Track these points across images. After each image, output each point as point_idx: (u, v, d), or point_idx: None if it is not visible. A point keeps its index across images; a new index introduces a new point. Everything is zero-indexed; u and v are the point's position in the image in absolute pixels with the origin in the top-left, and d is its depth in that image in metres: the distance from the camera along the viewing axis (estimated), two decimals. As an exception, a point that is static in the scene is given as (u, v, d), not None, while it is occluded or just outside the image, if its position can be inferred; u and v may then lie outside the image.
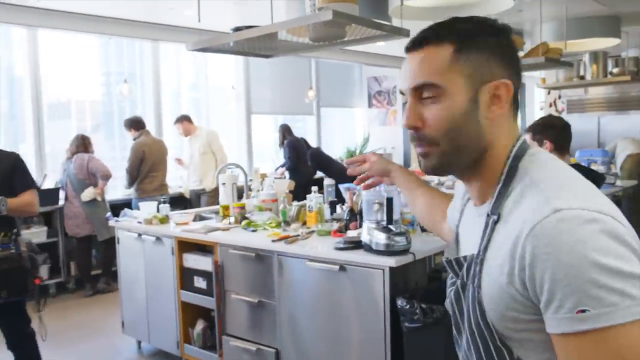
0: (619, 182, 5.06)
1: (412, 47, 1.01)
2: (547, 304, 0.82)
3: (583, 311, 0.78)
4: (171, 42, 6.95)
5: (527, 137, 2.81)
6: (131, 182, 5.79)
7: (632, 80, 7.39)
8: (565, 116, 8.49)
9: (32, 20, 5.70)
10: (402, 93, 1.03)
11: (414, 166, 6.39)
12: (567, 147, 2.69)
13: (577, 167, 2.71)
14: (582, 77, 7.26)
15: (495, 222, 0.94)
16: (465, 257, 1.03)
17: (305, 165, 6.98)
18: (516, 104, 1.01)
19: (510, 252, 0.87)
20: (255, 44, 3.40)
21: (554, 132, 2.66)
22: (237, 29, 3.21)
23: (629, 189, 5.26)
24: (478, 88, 0.96)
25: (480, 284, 0.94)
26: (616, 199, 4.69)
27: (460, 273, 1.03)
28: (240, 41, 3.23)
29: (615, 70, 7.42)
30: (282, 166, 7.23)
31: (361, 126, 10.37)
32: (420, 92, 0.97)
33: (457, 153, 0.98)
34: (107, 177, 5.50)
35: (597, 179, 2.63)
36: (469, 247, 1.06)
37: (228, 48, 3.48)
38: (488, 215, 0.96)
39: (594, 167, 4.96)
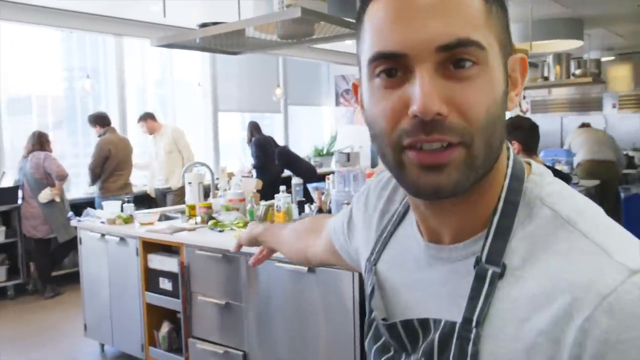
0: (582, 182, 5.15)
1: None
2: None
3: None
4: (135, 38, 6.80)
5: None
6: (94, 180, 5.63)
7: (593, 82, 7.56)
8: (529, 116, 8.63)
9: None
10: (390, 57, 0.61)
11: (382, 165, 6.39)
12: (535, 148, 2.71)
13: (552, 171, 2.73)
14: (546, 78, 7.38)
15: (499, 277, 0.62)
16: (424, 322, 0.68)
17: (273, 163, 6.92)
18: None
19: (552, 334, 0.56)
20: (222, 41, 3.34)
21: (522, 133, 2.68)
22: (204, 25, 3.15)
23: (591, 189, 5.35)
24: (505, 61, 0.64)
25: None
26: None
27: (419, 346, 0.69)
28: (206, 37, 3.17)
29: (578, 72, 7.57)
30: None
31: (329, 124, 10.36)
32: (449, 57, 0.59)
33: (485, 162, 0.63)
34: (62, 177, 5.30)
35: (564, 180, 2.65)
36: (419, 303, 0.71)
37: (194, 44, 3.41)
38: (479, 262, 0.64)
39: (558, 167, 5.04)
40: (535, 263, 0.60)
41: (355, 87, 0.72)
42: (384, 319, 0.74)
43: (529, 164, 0.70)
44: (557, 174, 2.66)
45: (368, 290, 0.80)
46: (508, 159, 0.68)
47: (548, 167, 2.82)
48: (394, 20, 0.60)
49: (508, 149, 0.69)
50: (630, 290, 0.54)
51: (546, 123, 9.04)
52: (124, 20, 6.36)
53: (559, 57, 7.25)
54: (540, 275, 0.59)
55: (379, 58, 0.61)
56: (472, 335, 0.62)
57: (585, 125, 7.10)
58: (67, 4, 5.75)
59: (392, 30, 0.60)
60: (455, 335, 0.64)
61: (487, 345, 0.61)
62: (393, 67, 0.61)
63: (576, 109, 9.59)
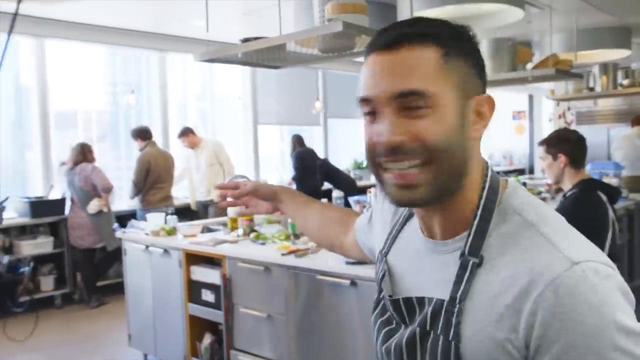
0: (631, 195, 5.01)
1: (385, 46, 0.82)
2: (546, 351, 0.74)
3: None
4: (179, 53, 6.97)
5: (541, 150, 2.77)
6: (137, 194, 5.77)
7: (642, 92, 7.38)
8: (574, 128, 8.46)
9: (40, 30, 5.73)
10: (364, 101, 0.84)
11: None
12: (582, 162, 2.66)
13: (591, 181, 2.68)
14: (592, 89, 7.24)
15: (478, 266, 0.82)
16: (421, 300, 0.88)
17: (313, 176, 6.97)
18: None
19: (515, 306, 0.76)
20: (264, 55, 3.39)
21: (569, 146, 2.63)
22: (246, 40, 3.21)
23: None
24: (465, 102, 0.83)
25: (460, 338, 0.81)
26: (629, 213, 4.65)
27: (414, 317, 0.89)
28: (248, 52, 3.23)
29: (626, 82, 7.40)
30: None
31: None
32: (403, 102, 0.80)
33: (449, 180, 0.82)
34: (107, 189, 5.46)
35: (614, 194, 2.60)
36: (418, 286, 0.91)
37: (236, 59, 3.48)
38: (463, 255, 0.83)
39: (605, 180, 4.91)
40: (506, 255, 0.80)
41: None
42: (390, 296, 0.94)
43: (506, 180, 0.90)
44: (606, 187, 2.61)
45: (379, 275, 0.99)
46: (485, 175, 0.87)
47: (597, 181, 2.77)
48: (369, 75, 0.84)
49: (487, 167, 0.88)
50: (571, 275, 0.74)
51: (592, 135, 8.80)
52: (168, 36, 6.53)
53: (605, 67, 7.10)
54: (509, 264, 0.79)
55: (361, 101, 0.85)
56: (456, 310, 0.82)
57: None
58: (113, 22, 5.94)
59: (367, 81, 0.84)
60: (444, 310, 0.83)
61: (468, 317, 0.81)
62: (370, 110, 0.84)
63: (624, 120, 9.32)
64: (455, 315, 0.82)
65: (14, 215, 5.43)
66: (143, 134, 5.88)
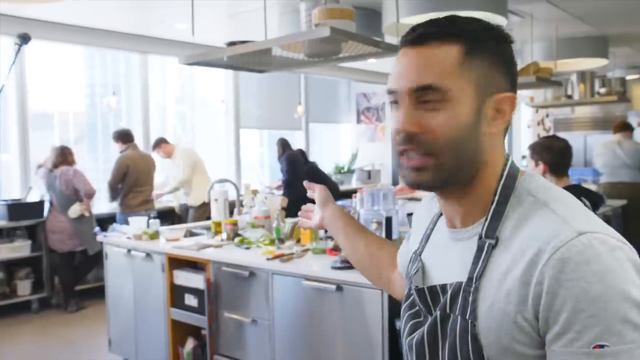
0: (609, 202, 5.11)
1: (410, 42, 0.89)
2: (559, 336, 0.76)
3: (601, 346, 0.73)
4: (162, 56, 6.93)
5: (527, 155, 2.83)
6: (113, 197, 5.69)
7: (618, 100, 7.54)
8: (554, 134, 8.60)
9: (19, 30, 5.64)
10: (390, 93, 0.92)
11: (403, 184, 6.38)
12: (564, 170, 2.71)
13: (575, 188, 2.73)
14: (570, 97, 7.36)
15: (493, 247, 0.86)
16: (444, 286, 0.92)
17: (301, 180, 6.95)
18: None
19: (523, 278, 0.79)
20: (249, 59, 3.39)
21: (549, 155, 2.69)
22: (232, 44, 3.21)
23: (618, 209, 5.31)
24: (483, 99, 0.88)
25: (476, 316, 0.84)
26: (606, 219, 4.73)
27: (438, 305, 0.92)
28: (234, 56, 3.22)
29: (602, 90, 7.56)
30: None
31: (349, 142, 10.39)
32: (420, 95, 0.87)
33: (455, 168, 0.88)
34: (90, 195, 5.44)
35: (597, 201, 2.65)
36: (443, 275, 0.95)
37: (221, 62, 3.48)
38: (480, 238, 0.88)
39: (585, 186, 5.00)
40: (519, 233, 0.84)
41: None
42: (416, 287, 0.98)
43: (522, 172, 0.94)
44: (590, 194, 2.66)
45: (413, 272, 1.03)
46: (505, 165, 0.92)
47: (582, 188, 2.82)
48: (396, 69, 0.91)
49: (507, 159, 0.93)
50: (576, 244, 0.77)
51: (569, 141, 8.98)
52: (150, 38, 6.49)
53: (583, 76, 7.24)
54: (520, 240, 0.83)
55: (388, 93, 0.93)
56: (472, 289, 0.85)
57: (621, 129, 6.82)
58: (94, 22, 5.88)
59: (393, 74, 0.92)
60: (462, 290, 0.87)
61: (482, 294, 0.84)
62: (394, 100, 0.91)
63: (600, 128, 9.51)
64: (471, 294, 0.85)
65: (-10, 218, 5.33)
66: (125, 137, 5.82)
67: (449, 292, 0.90)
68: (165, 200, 6.53)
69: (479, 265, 0.86)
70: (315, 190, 1.45)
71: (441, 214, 1.04)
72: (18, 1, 4.36)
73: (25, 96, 5.91)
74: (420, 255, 1.05)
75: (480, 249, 0.87)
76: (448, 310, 0.89)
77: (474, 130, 0.88)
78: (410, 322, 0.98)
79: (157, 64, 7.50)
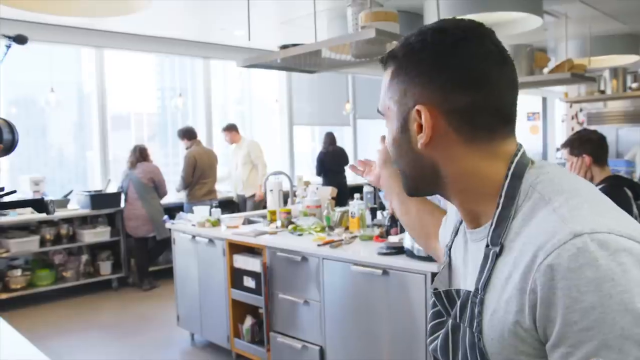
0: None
1: (384, 67, 0.84)
2: (554, 348, 0.63)
3: None
4: (222, 60, 6.95)
5: (564, 152, 2.62)
6: (185, 188, 5.75)
7: (649, 95, 7.12)
8: (585, 128, 8.23)
9: (99, 42, 5.77)
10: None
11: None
12: (605, 159, 2.52)
13: (617, 178, 2.53)
14: (603, 92, 7.00)
15: (498, 255, 0.73)
16: (458, 292, 0.81)
17: (335, 175, 6.98)
18: (498, 119, 0.76)
19: (520, 286, 0.66)
20: (300, 61, 3.32)
21: (591, 146, 2.49)
22: (284, 47, 3.14)
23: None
24: (404, 117, 0.78)
25: (482, 329, 0.72)
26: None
27: (452, 311, 0.81)
28: (286, 58, 3.16)
29: (634, 85, 7.14)
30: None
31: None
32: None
33: (416, 180, 0.83)
34: (164, 196, 5.68)
35: (639, 190, 2.45)
36: (461, 277, 0.84)
37: (275, 64, 3.41)
38: (487, 246, 0.75)
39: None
40: (521, 234, 0.70)
41: None
42: (435, 289, 0.86)
43: (533, 162, 0.77)
44: (632, 184, 2.46)
45: (440, 267, 0.92)
46: (510, 164, 0.76)
47: (623, 178, 2.63)
48: None
49: (515, 154, 0.76)
50: (569, 248, 0.62)
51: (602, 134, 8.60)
52: (212, 44, 6.52)
53: (615, 72, 6.87)
54: (521, 241, 0.69)
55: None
56: (478, 300, 0.73)
57: None
58: (162, 32, 5.94)
59: None
60: (469, 301, 0.76)
61: (487, 304, 0.72)
62: None
63: (631, 121, 9.03)
64: (477, 305, 0.74)
65: (76, 207, 5.47)
66: (189, 134, 5.86)
67: (459, 301, 0.79)
68: (224, 191, 6.55)
69: (484, 275, 0.74)
70: (378, 149, 1.30)
71: None
72: (95, 15, 4.41)
73: (105, 99, 6.03)
74: (450, 249, 0.92)
75: (486, 257, 0.75)
76: (458, 320, 0.78)
77: (406, 146, 0.80)
78: (433, 322, 0.87)
79: (219, 68, 7.53)
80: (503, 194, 0.74)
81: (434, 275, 2.40)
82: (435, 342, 0.83)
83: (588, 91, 6.93)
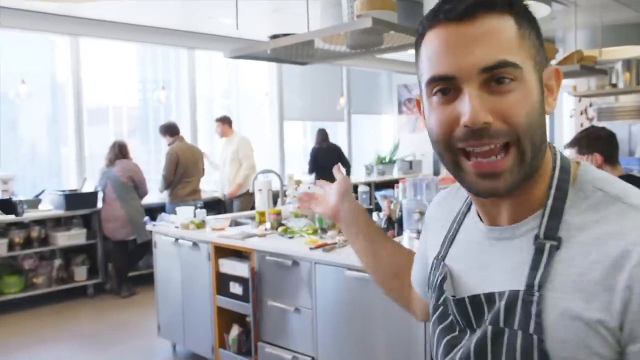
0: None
1: (457, 17, 0.72)
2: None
3: None
4: (208, 50, 6.95)
5: (572, 152, 2.64)
6: (166, 187, 5.75)
7: (665, 89, 7.17)
8: (595, 124, 8.27)
9: (75, 29, 5.75)
10: (442, 79, 0.73)
11: (445, 173, 6.25)
12: (616, 157, 2.54)
13: (630, 177, 2.56)
14: (615, 85, 7.06)
15: (557, 248, 0.72)
16: (490, 295, 0.76)
17: (327, 172, 6.98)
18: None
19: (605, 282, 0.67)
20: (292, 52, 3.33)
21: (601, 144, 2.51)
22: (275, 37, 3.15)
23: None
24: (540, 75, 0.75)
25: (543, 329, 0.70)
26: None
27: (482, 317, 0.77)
28: (277, 49, 3.16)
29: (649, 79, 7.20)
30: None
31: (390, 133, 10.25)
32: (490, 76, 0.71)
33: (533, 161, 0.74)
34: (144, 196, 5.68)
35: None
36: (483, 281, 0.80)
37: (265, 55, 3.42)
38: (537, 238, 0.73)
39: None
40: (590, 231, 0.71)
41: (418, 103, 0.84)
42: (453, 296, 0.82)
43: (577, 162, 0.80)
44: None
45: (438, 279, 0.87)
46: (555, 155, 0.79)
47: (631, 176, 2.65)
48: (444, 49, 0.73)
49: (553, 147, 0.80)
50: None
51: (613, 131, 8.64)
52: (197, 34, 6.51)
53: (629, 64, 6.92)
54: (595, 239, 0.70)
55: (435, 80, 0.74)
56: (535, 298, 0.71)
57: None
58: (144, 20, 5.93)
59: (443, 57, 0.73)
60: (520, 301, 0.72)
61: (550, 303, 0.70)
62: (446, 87, 0.73)
63: (645, 117, 9.10)
64: (535, 304, 0.71)
65: (49, 208, 5.45)
66: (171, 130, 5.86)
67: (503, 303, 0.74)
68: (209, 190, 6.55)
69: (541, 271, 0.72)
70: (338, 178, 1.23)
71: (467, 211, 0.90)
72: (71, 1, 4.40)
73: (81, 92, 6.02)
74: (443, 260, 0.89)
75: (539, 252, 0.73)
76: (502, 325, 0.73)
77: (541, 112, 0.74)
78: (445, 339, 0.82)
79: (205, 59, 7.53)
80: (554, 185, 0.76)
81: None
82: (460, 355, 0.78)
83: (598, 84, 6.99)
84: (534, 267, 0.73)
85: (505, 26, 0.72)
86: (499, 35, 0.71)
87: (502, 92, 0.71)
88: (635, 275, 0.65)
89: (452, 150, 0.75)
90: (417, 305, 1.10)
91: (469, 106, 0.70)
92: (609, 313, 0.67)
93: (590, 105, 9.32)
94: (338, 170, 1.29)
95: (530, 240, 0.75)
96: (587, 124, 8.38)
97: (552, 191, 0.76)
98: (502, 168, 0.72)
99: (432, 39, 0.75)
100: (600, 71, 5.21)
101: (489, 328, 0.75)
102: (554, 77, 0.78)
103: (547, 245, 0.72)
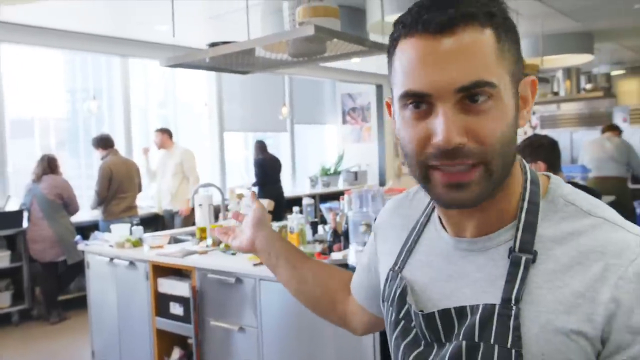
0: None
1: (436, 28, 0.70)
2: (628, 346, 0.69)
3: None
4: (143, 58, 6.84)
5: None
6: (99, 204, 5.61)
7: (604, 96, 7.58)
8: (537, 132, 8.63)
9: (-5, 35, 5.55)
10: (416, 95, 0.73)
11: (391, 184, 6.37)
12: (559, 165, 2.66)
13: (575, 185, 2.68)
14: (556, 93, 7.39)
15: (532, 261, 0.75)
16: (461, 309, 0.77)
17: (274, 185, 7.04)
18: None
19: (588, 294, 0.70)
20: (232, 60, 3.34)
21: (544, 152, 2.63)
22: (214, 45, 3.15)
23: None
24: (515, 89, 0.75)
25: (522, 343, 0.71)
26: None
27: (452, 332, 0.78)
28: (216, 57, 3.16)
29: (588, 86, 7.59)
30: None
31: (335, 143, 10.35)
32: (465, 96, 0.71)
33: (501, 176, 0.75)
34: (74, 212, 5.55)
35: (594, 195, 2.60)
36: (451, 293, 0.81)
37: (204, 64, 3.41)
38: (512, 252, 0.75)
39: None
40: (565, 243, 0.74)
41: (389, 105, 0.84)
42: (421, 311, 0.82)
43: (546, 175, 0.84)
44: (589, 191, 2.62)
45: (396, 292, 0.87)
46: (523, 167, 0.82)
47: (580, 185, 2.78)
48: (420, 65, 0.72)
49: (520, 159, 0.82)
50: None
51: (555, 139, 9.02)
52: (131, 40, 6.40)
53: (569, 72, 7.27)
54: (572, 251, 0.73)
55: (408, 95, 0.74)
56: (513, 312, 0.72)
57: (610, 129, 6.95)
58: (72, 26, 5.79)
59: (418, 73, 0.72)
60: (496, 315, 0.73)
61: (528, 314, 0.72)
62: (420, 101, 0.73)
63: (586, 124, 9.57)
64: (512, 318, 0.72)
65: (-32, 228, 5.22)
66: (104, 143, 5.73)
67: (477, 318, 0.75)
68: (146, 206, 6.44)
69: (518, 284, 0.74)
70: (252, 207, 1.21)
71: (426, 222, 0.90)
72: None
73: (2, 102, 5.79)
74: (400, 272, 0.88)
75: (515, 265, 0.75)
76: (477, 339, 0.74)
77: (515, 128, 0.75)
78: (412, 355, 0.83)
79: (139, 67, 7.41)
80: (527, 198, 0.78)
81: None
82: None
83: (541, 93, 7.30)
84: (510, 280, 0.74)
85: (484, 41, 0.71)
86: (476, 51, 0.70)
87: (477, 112, 0.71)
88: (622, 287, 0.69)
89: (424, 166, 0.75)
90: (357, 319, 1.11)
91: (442, 126, 0.71)
92: (590, 324, 0.69)
93: (534, 113, 9.73)
94: (254, 198, 1.28)
95: (503, 252, 0.77)
96: (530, 132, 8.73)
97: (525, 204, 0.78)
98: (470, 179, 0.73)
99: (408, 50, 0.74)
100: (543, 80, 5.46)
101: (463, 343, 0.75)
102: (529, 87, 0.79)
103: (523, 259, 0.75)
